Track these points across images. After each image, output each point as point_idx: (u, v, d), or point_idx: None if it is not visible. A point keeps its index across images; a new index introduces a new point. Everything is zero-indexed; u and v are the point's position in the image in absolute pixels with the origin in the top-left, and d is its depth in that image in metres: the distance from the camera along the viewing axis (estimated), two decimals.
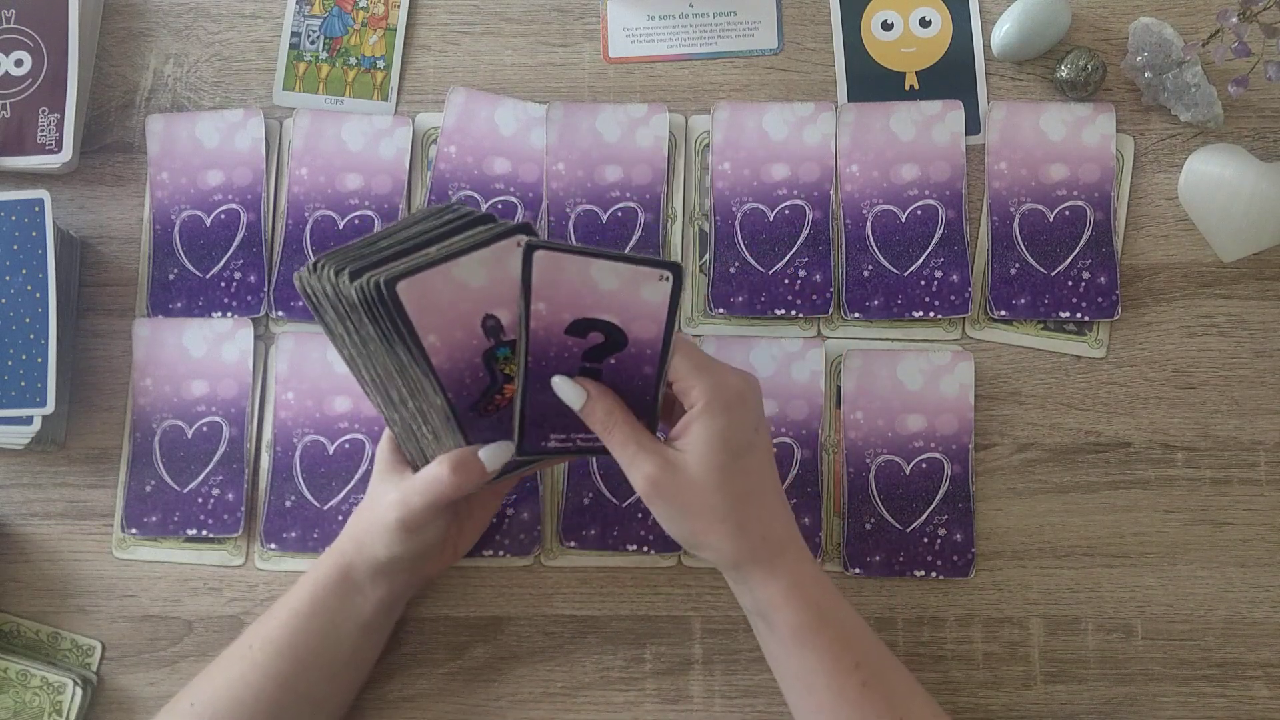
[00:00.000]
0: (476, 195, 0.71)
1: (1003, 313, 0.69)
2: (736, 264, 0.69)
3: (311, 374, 0.69)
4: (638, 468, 0.53)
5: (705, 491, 0.53)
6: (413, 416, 0.56)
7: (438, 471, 0.56)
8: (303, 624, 0.58)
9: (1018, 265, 0.69)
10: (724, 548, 0.54)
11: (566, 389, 0.53)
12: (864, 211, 0.70)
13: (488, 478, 0.56)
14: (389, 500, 0.57)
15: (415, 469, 0.58)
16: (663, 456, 0.53)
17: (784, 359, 0.68)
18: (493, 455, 0.56)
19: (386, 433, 0.60)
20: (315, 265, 0.53)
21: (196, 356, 0.69)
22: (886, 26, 0.73)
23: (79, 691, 0.65)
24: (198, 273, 0.70)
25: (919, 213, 0.70)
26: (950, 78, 0.72)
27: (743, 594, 0.57)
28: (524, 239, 0.50)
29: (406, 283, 0.50)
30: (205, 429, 0.69)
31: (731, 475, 0.53)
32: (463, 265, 0.51)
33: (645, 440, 0.54)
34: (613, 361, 0.54)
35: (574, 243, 0.52)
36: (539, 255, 0.50)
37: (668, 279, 0.52)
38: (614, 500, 0.68)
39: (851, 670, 0.54)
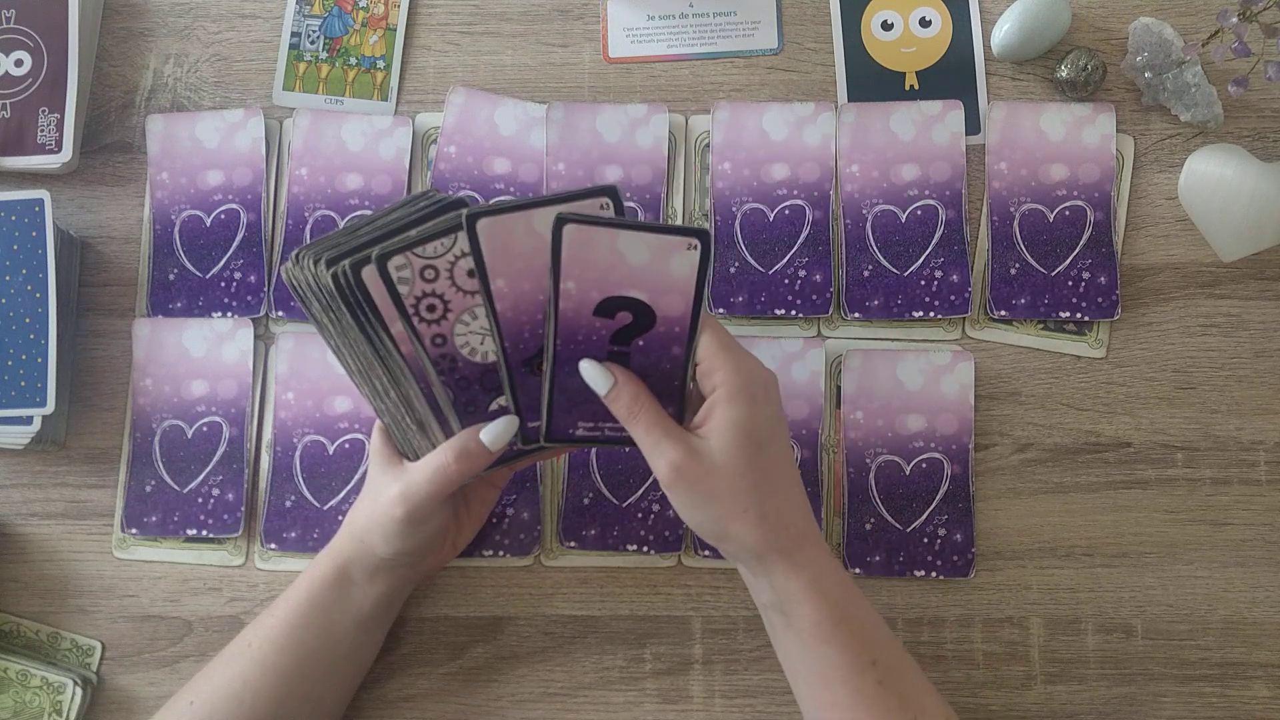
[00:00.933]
0: (476, 195, 0.71)
1: (1003, 313, 0.69)
2: (736, 264, 0.69)
3: (311, 374, 0.69)
4: (661, 454, 0.52)
5: (730, 479, 0.52)
6: (396, 406, 0.57)
7: (441, 459, 0.55)
8: (301, 621, 0.58)
9: (1018, 265, 0.69)
10: (748, 536, 0.53)
11: (593, 373, 0.53)
12: (864, 211, 0.70)
13: (492, 459, 0.56)
14: (391, 495, 0.57)
15: (407, 459, 0.58)
16: (688, 444, 0.52)
17: (784, 359, 0.68)
18: (495, 435, 0.55)
19: (378, 425, 0.60)
20: (297, 255, 0.54)
21: (196, 356, 0.69)
22: (886, 26, 0.73)
23: (79, 691, 0.65)
24: (198, 273, 0.70)
25: (919, 213, 0.70)
26: (950, 78, 0.72)
27: (760, 588, 0.56)
28: (565, 211, 0.49)
29: (487, 221, 0.49)
30: (205, 429, 0.69)
31: (755, 464, 0.53)
32: (542, 217, 0.50)
33: (670, 427, 0.53)
34: (640, 343, 0.53)
35: (603, 215, 0.51)
36: (569, 229, 0.48)
37: (695, 247, 0.50)
38: (614, 500, 0.68)
39: (868, 667, 0.53)
